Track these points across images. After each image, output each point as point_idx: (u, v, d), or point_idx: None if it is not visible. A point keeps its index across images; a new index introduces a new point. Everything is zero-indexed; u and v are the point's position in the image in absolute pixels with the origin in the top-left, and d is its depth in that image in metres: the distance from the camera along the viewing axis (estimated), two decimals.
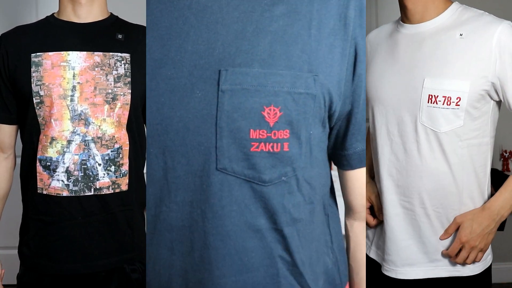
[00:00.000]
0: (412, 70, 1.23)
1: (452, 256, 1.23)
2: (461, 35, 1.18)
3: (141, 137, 1.31)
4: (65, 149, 1.20)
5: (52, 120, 1.20)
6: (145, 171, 1.20)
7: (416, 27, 1.26)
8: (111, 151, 1.23)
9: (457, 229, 1.23)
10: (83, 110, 1.20)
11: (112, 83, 1.22)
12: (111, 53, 1.24)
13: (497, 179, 2.38)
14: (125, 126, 1.25)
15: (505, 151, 2.59)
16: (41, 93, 1.20)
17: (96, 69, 1.21)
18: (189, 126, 0.97)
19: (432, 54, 1.21)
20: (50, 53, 1.21)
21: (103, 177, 1.23)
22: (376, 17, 2.65)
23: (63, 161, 1.21)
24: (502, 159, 2.60)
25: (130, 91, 1.24)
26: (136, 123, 1.28)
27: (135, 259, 1.30)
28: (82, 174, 1.21)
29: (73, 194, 1.21)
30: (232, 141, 0.96)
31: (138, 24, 1.35)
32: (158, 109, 0.97)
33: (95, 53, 1.23)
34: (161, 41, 0.98)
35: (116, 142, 1.24)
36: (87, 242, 1.24)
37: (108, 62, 1.23)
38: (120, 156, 1.24)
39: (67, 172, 1.21)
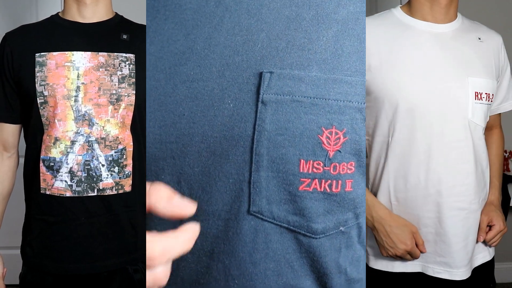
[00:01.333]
0: (446, 68, 1.22)
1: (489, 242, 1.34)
2: (479, 39, 1.31)
3: (145, 138, 1.28)
4: (68, 150, 1.20)
5: (56, 120, 1.19)
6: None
7: (442, 26, 1.27)
8: (115, 152, 1.22)
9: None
10: (87, 111, 1.20)
11: (117, 83, 1.21)
12: (115, 54, 1.23)
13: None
14: (129, 127, 1.24)
15: (505, 151, 2.59)
16: (45, 93, 1.19)
17: (100, 69, 1.21)
18: (215, 149, 0.71)
19: (462, 54, 1.26)
20: (55, 53, 1.21)
21: (107, 178, 1.22)
22: None
23: (67, 162, 1.20)
24: None
25: (134, 91, 1.23)
26: (140, 124, 1.26)
27: (138, 260, 1.29)
28: (86, 174, 1.20)
29: (76, 195, 1.21)
30: (274, 175, 0.71)
31: (144, 24, 1.34)
32: (174, 123, 0.72)
33: (100, 53, 1.22)
34: (184, 28, 0.71)
35: (120, 143, 1.23)
36: (89, 243, 1.23)
37: (112, 62, 1.22)
38: (124, 157, 1.23)
39: (71, 172, 1.20)
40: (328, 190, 0.71)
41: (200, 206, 0.72)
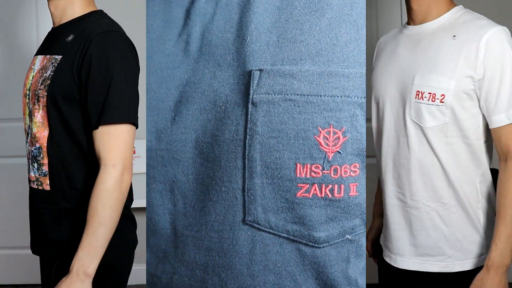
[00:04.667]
0: (406, 67, 1.28)
1: None
2: (454, 36, 1.23)
3: (76, 141, 1.20)
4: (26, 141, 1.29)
5: (22, 115, 1.32)
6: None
7: (417, 28, 1.31)
8: (34, 149, 1.25)
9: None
10: (31, 109, 1.26)
11: (39, 85, 1.23)
12: (50, 56, 1.24)
13: (497, 179, 2.38)
14: (48, 127, 1.22)
15: None
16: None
17: (40, 72, 1.25)
18: (208, 155, 0.67)
19: (425, 53, 1.26)
20: (35, 57, 1.31)
21: (31, 171, 1.27)
22: (376, 18, 2.65)
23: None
24: None
25: (46, 93, 1.20)
26: (64, 126, 1.20)
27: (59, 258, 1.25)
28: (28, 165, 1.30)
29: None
30: (269, 182, 0.65)
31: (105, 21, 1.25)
32: (165, 129, 0.71)
33: (47, 56, 1.26)
34: (175, 27, 0.68)
35: (37, 141, 1.24)
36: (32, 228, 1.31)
37: (46, 65, 1.24)
38: (41, 156, 1.24)
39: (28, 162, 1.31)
40: (330, 196, 0.66)
41: (194, 216, 0.68)
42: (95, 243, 1.11)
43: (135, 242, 1.30)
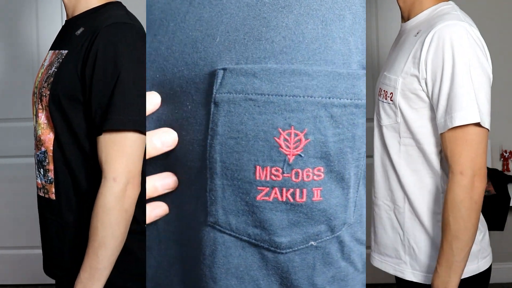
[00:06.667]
0: (385, 65, 1.28)
1: None
2: (417, 33, 1.15)
3: (80, 146, 1.07)
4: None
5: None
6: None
7: (403, 25, 1.27)
8: (40, 153, 1.11)
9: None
10: (36, 108, 1.13)
11: (44, 83, 1.10)
12: (58, 51, 1.12)
13: (497, 179, 2.39)
14: (53, 130, 1.09)
15: (505, 151, 2.58)
16: None
17: (47, 68, 1.13)
18: (178, 155, 0.67)
19: (396, 50, 1.24)
20: (48, 53, 1.19)
21: (37, 177, 1.13)
22: (376, 17, 2.65)
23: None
24: (502, 159, 2.59)
25: (49, 92, 1.08)
26: (69, 130, 1.07)
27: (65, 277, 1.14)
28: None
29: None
30: (229, 183, 0.63)
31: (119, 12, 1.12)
32: (156, 127, 0.70)
33: (55, 51, 1.14)
34: (152, 29, 0.67)
35: (42, 144, 1.10)
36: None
37: (53, 61, 1.12)
38: (46, 161, 1.09)
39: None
40: (291, 200, 0.62)
41: (173, 212, 0.68)
42: (96, 265, 0.97)
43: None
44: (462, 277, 1.13)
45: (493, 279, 1.34)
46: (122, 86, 0.98)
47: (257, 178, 0.61)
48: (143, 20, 1.08)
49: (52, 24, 2.65)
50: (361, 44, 0.62)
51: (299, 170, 0.61)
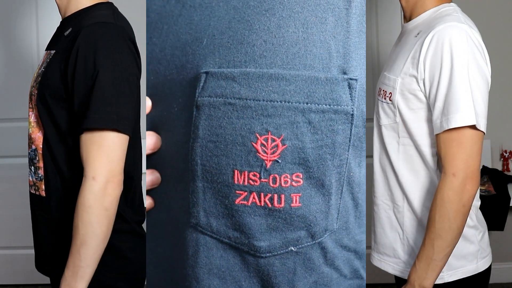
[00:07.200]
0: (385, 65, 1.27)
1: None
2: (417, 34, 1.16)
3: (65, 145, 1.08)
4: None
5: None
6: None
7: (405, 25, 1.27)
8: (31, 151, 1.13)
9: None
10: (29, 107, 1.15)
11: (33, 82, 1.12)
12: (49, 51, 1.13)
13: (497, 179, 2.39)
14: (42, 128, 1.10)
15: (505, 151, 2.58)
16: None
17: (40, 67, 1.14)
18: (165, 155, 0.68)
19: (396, 51, 1.23)
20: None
21: (29, 174, 1.14)
22: (376, 17, 2.65)
23: None
24: (502, 159, 2.59)
25: (37, 91, 1.09)
26: (56, 129, 1.09)
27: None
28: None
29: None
30: (209, 186, 0.64)
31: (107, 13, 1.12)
32: (149, 129, 0.71)
33: (47, 51, 1.15)
34: (148, 32, 0.68)
35: (33, 142, 1.12)
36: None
37: (44, 60, 1.13)
38: (37, 159, 1.11)
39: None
40: (270, 205, 0.62)
41: (164, 212, 0.68)
42: (78, 263, 0.98)
43: (138, 263, 1.09)
44: (462, 277, 1.13)
45: (493, 279, 1.34)
46: (100, 85, 0.99)
47: (236, 182, 0.62)
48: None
49: (52, 25, 2.63)
50: (343, 47, 0.61)
51: (277, 176, 0.61)
